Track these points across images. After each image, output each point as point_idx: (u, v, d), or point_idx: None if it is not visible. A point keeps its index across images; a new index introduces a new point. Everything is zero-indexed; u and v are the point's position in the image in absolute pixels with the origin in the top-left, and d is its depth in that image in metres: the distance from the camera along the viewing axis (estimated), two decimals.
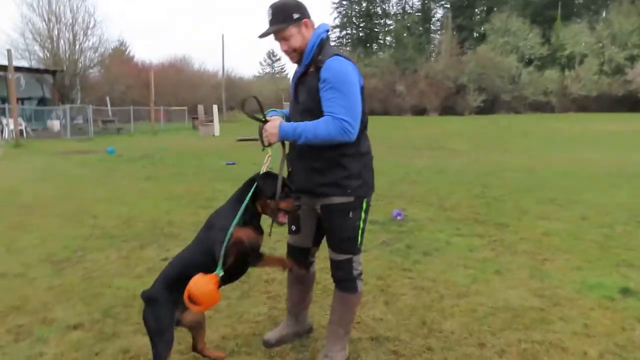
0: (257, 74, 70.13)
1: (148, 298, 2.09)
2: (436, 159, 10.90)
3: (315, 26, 2.25)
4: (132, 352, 2.49)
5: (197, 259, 2.09)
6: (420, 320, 2.84)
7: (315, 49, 2.18)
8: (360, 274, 2.38)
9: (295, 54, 2.23)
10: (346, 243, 2.30)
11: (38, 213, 5.67)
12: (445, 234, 4.69)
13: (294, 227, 2.47)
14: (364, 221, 2.32)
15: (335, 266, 2.36)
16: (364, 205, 2.29)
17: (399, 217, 5.24)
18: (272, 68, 73.95)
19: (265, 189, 2.13)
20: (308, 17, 2.21)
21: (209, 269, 1.97)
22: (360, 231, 2.31)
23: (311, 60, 2.19)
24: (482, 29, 51.13)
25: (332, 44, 2.35)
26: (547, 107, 39.15)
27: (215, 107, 18.57)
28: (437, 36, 57.75)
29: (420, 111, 41.25)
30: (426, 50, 52.68)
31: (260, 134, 2.19)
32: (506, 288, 3.31)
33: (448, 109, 40.66)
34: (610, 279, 3.40)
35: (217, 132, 17.94)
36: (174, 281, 2.06)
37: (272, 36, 2.20)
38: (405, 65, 44.86)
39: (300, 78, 2.27)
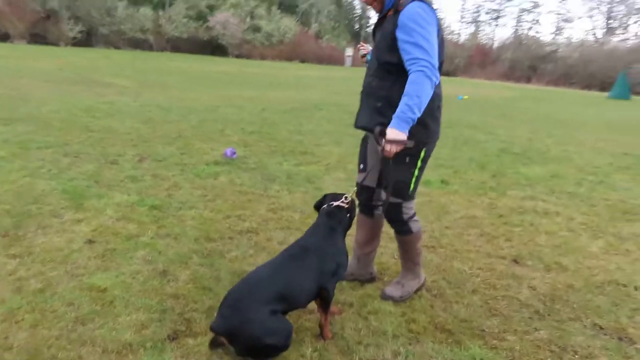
0: None
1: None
2: (137, 97, 10.16)
3: None
4: None
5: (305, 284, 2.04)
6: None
7: None
8: (412, 216, 2.51)
9: (377, 4, 2.30)
10: (397, 187, 2.38)
11: None
12: (289, 165, 5.36)
13: (362, 165, 2.62)
14: (420, 169, 2.39)
15: (389, 208, 2.46)
16: (422, 154, 2.35)
17: (234, 156, 5.39)
18: None
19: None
20: None
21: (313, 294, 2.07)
22: (414, 179, 2.40)
23: (392, 5, 2.25)
24: None
25: None
26: (146, 44, 39.99)
27: None
28: None
29: (2, 37, 33.27)
30: None
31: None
32: (461, 208, 4.26)
33: (39, 37, 34.64)
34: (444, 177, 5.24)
35: None
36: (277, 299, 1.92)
37: None
38: None
39: (379, 21, 2.37)
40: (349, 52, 47.80)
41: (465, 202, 4.48)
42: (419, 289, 2.67)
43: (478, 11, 57.89)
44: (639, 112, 17.43)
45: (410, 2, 2.16)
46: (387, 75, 2.31)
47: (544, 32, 54.59)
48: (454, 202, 4.44)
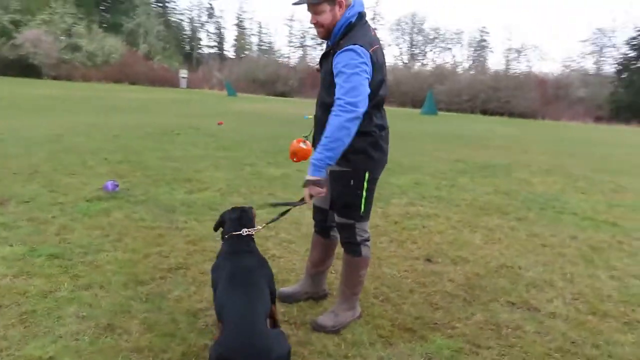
0: None
1: None
2: None
3: (353, 6, 2.27)
4: None
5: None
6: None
7: (342, 31, 2.25)
8: (366, 240, 2.55)
9: (322, 30, 2.29)
10: (347, 209, 2.46)
11: None
12: (180, 194, 5.07)
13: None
14: (368, 191, 2.43)
15: (339, 229, 2.55)
16: (366, 176, 2.40)
17: (116, 189, 4.88)
18: None
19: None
20: None
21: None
22: (363, 200, 2.43)
23: (334, 43, 2.28)
24: None
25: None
26: None
27: None
28: None
29: None
30: None
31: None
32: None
33: None
34: None
35: None
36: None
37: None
38: None
39: (324, 54, 2.39)
40: (184, 73, 46.56)
41: None
42: (351, 321, 2.60)
43: (304, 36, 61.84)
44: (448, 126, 20.78)
45: (347, 46, 2.18)
46: (329, 108, 2.28)
47: None
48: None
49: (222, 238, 2.40)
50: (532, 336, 2.60)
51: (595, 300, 3.10)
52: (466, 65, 50.67)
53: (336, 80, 2.19)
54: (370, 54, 2.21)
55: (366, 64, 2.19)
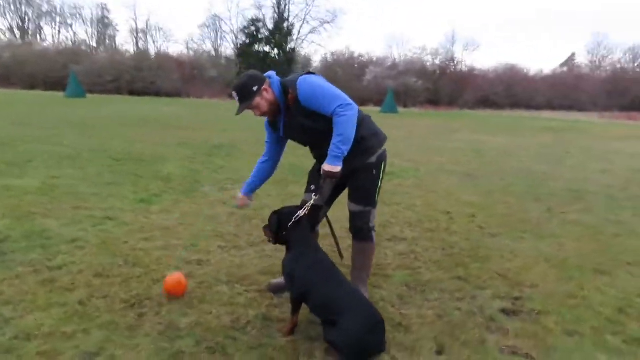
0: None
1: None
2: None
3: (269, 79, 2.56)
4: None
5: None
6: None
7: (282, 93, 2.54)
8: (374, 226, 2.80)
9: (269, 113, 2.59)
10: (367, 197, 2.71)
11: None
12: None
13: (313, 186, 2.74)
14: (382, 180, 2.74)
15: (357, 217, 2.74)
16: (383, 166, 2.71)
17: None
18: None
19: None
20: (263, 82, 2.53)
21: None
22: (378, 188, 2.72)
23: (286, 101, 2.55)
24: None
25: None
26: None
27: None
28: None
29: None
30: None
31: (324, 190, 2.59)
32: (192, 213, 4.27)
33: None
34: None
35: None
36: None
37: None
38: None
39: (286, 117, 2.61)
40: None
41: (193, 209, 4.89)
42: None
43: None
44: (117, 108, 19.51)
45: (297, 82, 2.46)
46: (327, 137, 2.48)
47: None
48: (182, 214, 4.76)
49: (278, 234, 2.51)
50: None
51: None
52: (93, 43, 47.38)
53: (319, 101, 2.43)
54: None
55: (323, 79, 2.54)
